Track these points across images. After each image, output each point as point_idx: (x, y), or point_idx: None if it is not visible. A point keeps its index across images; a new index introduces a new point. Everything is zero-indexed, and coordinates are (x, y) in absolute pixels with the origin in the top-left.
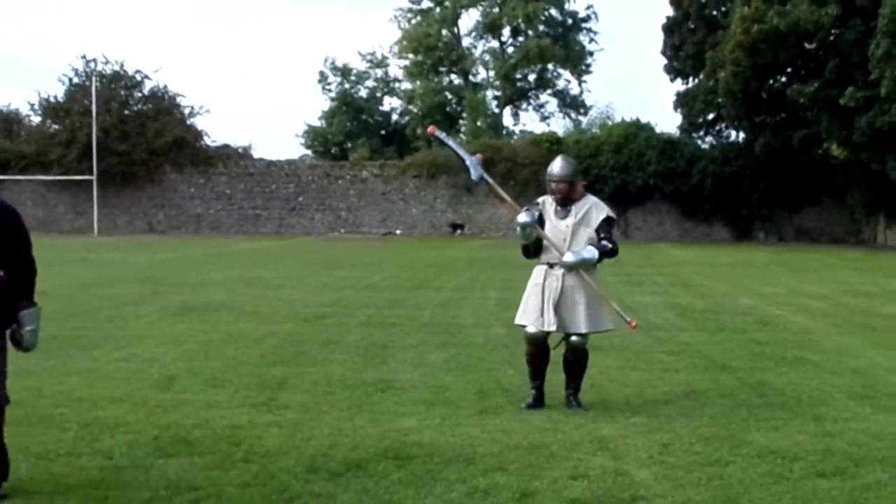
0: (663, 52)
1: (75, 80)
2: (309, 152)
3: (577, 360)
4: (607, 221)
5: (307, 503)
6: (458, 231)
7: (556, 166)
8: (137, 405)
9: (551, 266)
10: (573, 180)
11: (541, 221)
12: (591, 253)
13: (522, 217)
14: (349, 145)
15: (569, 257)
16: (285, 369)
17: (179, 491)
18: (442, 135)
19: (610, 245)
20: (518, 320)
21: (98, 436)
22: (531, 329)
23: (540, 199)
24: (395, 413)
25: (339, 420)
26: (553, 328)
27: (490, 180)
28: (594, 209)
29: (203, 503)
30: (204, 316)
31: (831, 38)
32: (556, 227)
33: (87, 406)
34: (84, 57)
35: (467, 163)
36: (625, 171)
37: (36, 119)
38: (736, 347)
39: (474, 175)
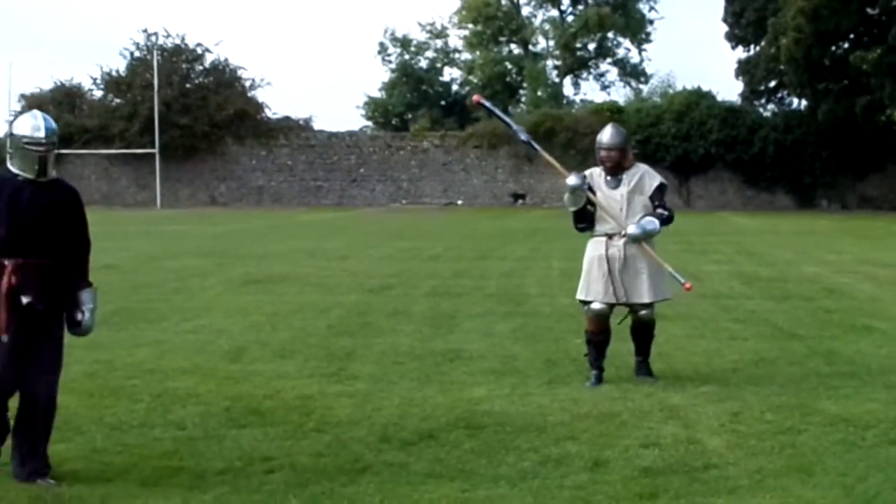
0: (724, 20)
1: (137, 53)
2: (369, 124)
3: (645, 331)
4: (660, 189)
5: (380, 473)
6: (520, 201)
7: (606, 135)
8: (208, 376)
9: (610, 237)
10: (624, 148)
11: (591, 192)
12: (654, 224)
13: (572, 179)
14: (409, 116)
15: (633, 230)
16: (353, 340)
17: (253, 461)
18: (487, 103)
19: (666, 213)
20: (580, 296)
21: (170, 407)
22: (596, 305)
23: (587, 172)
24: (465, 383)
25: (408, 390)
26: (623, 299)
27: (536, 146)
28: (646, 177)
29: (277, 473)
30: (269, 287)
31: (894, 3)
32: (609, 198)
33: (158, 377)
34: (145, 31)
35: (514, 128)
36: (686, 140)
37: (98, 93)
38: (803, 315)
39: (522, 137)
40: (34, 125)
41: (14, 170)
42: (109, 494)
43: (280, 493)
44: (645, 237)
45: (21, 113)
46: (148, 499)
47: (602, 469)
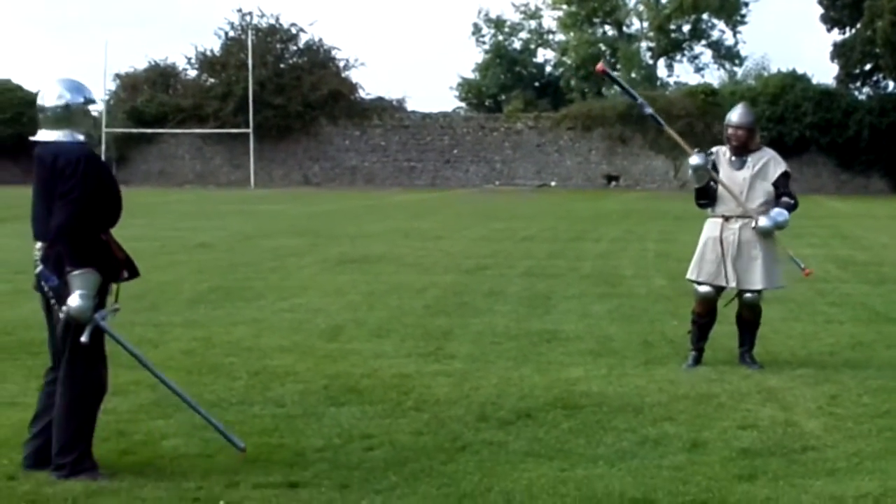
0: (819, 2)
1: (231, 33)
2: (463, 105)
3: (752, 318)
4: (785, 175)
5: (479, 451)
6: (613, 183)
7: (736, 113)
8: (306, 354)
9: (727, 219)
10: (752, 128)
11: (715, 171)
12: (784, 216)
13: (694, 159)
14: (503, 97)
15: (764, 222)
16: (449, 319)
17: (352, 438)
18: (611, 73)
19: (792, 201)
20: (691, 275)
21: (268, 384)
22: (705, 287)
23: (714, 149)
24: (562, 363)
25: (506, 370)
26: (732, 284)
27: (661, 121)
28: (772, 163)
29: (376, 450)
30: (365, 267)
31: None
32: (731, 179)
33: (256, 355)
34: (240, 10)
35: (638, 101)
36: (781, 123)
37: (193, 73)
38: None
39: (647, 111)
40: (80, 85)
41: (81, 138)
42: (210, 470)
43: (380, 470)
44: (775, 229)
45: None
46: (249, 474)
47: (700, 450)
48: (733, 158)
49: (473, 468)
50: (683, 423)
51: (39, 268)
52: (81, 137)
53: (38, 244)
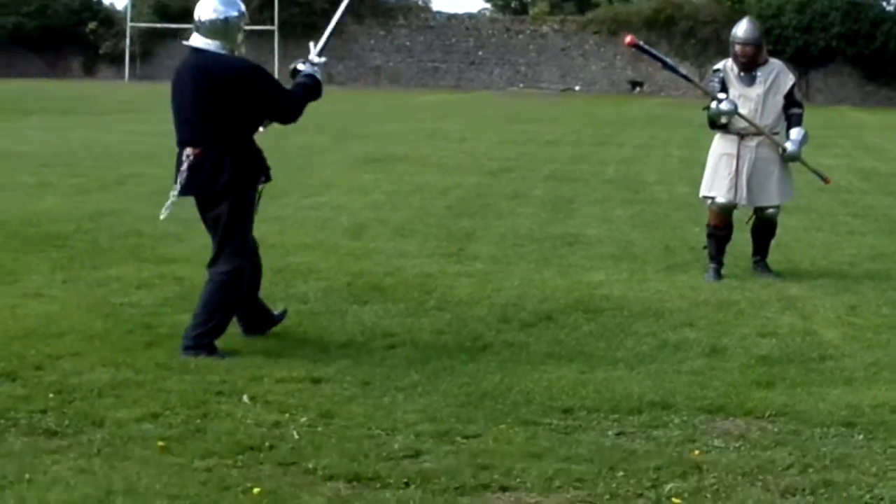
0: None
1: None
2: (488, 6)
3: (768, 230)
4: (794, 86)
5: (500, 352)
6: (638, 88)
7: (742, 29)
8: (329, 252)
9: (742, 136)
10: (760, 43)
11: (723, 88)
12: (803, 134)
13: (725, 105)
14: (529, 0)
15: (792, 148)
16: (472, 221)
17: (375, 336)
18: (642, 44)
19: (801, 110)
20: (705, 192)
21: (291, 281)
22: (721, 199)
23: (720, 65)
24: (583, 267)
25: (527, 272)
26: (744, 203)
27: (693, 80)
28: (781, 75)
29: (399, 348)
30: (388, 166)
31: None
32: (744, 97)
33: (280, 252)
34: None
35: (670, 64)
36: (807, 32)
37: None
38: None
39: (682, 72)
40: (236, 2)
41: (225, 51)
42: (235, 365)
43: (401, 367)
44: (801, 151)
45: None
46: (272, 369)
47: (719, 356)
48: (742, 74)
49: (494, 368)
50: (703, 329)
51: (185, 174)
52: (233, 49)
53: (188, 150)
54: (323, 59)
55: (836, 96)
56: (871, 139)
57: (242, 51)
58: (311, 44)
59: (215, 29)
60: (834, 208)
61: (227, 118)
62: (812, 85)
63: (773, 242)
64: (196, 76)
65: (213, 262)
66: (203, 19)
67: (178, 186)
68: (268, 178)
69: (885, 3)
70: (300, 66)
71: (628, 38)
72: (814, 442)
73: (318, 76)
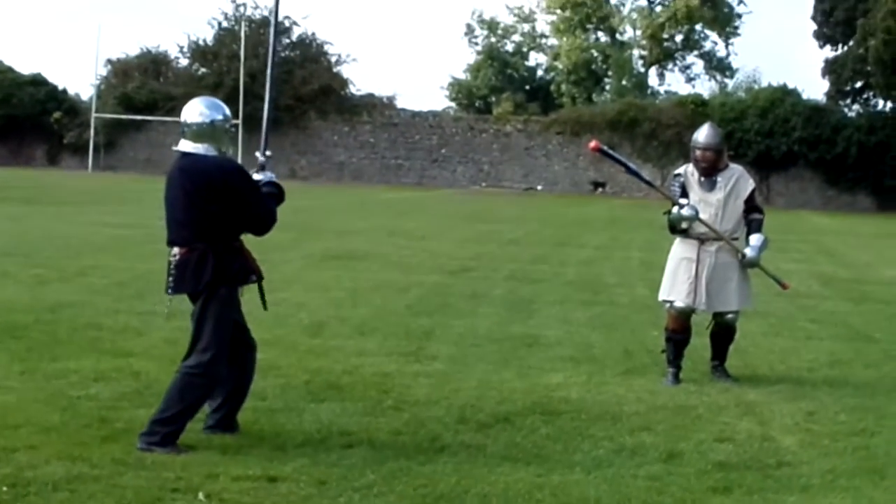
0: (813, 18)
1: (224, 24)
2: (453, 105)
3: (727, 335)
4: (754, 191)
5: (457, 453)
6: (600, 189)
7: (703, 134)
8: (288, 349)
9: (702, 241)
10: (721, 149)
11: (684, 193)
12: (762, 241)
13: (686, 211)
14: (493, 99)
15: (751, 253)
16: (431, 320)
17: (332, 435)
18: (606, 149)
19: (762, 216)
20: (664, 296)
21: None
22: (680, 303)
23: (680, 170)
24: (542, 368)
25: (486, 373)
26: (703, 308)
27: (655, 185)
28: (741, 180)
29: (355, 448)
30: (349, 264)
31: None
32: (705, 201)
33: None
34: (234, 1)
35: (632, 168)
36: (769, 137)
37: (184, 62)
38: (881, 319)
39: (645, 177)
40: (220, 104)
41: (219, 153)
42: (190, 462)
43: (358, 468)
44: (760, 257)
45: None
46: (228, 466)
47: (676, 461)
48: (703, 179)
49: (451, 470)
50: (661, 434)
51: (173, 274)
52: (220, 151)
53: (175, 249)
54: (269, 154)
55: (797, 200)
56: (831, 244)
57: (230, 152)
58: (257, 153)
59: (202, 132)
60: (793, 313)
61: (212, 219)
62: (773, 189)
63: (731, 347)
64: (184, 179)
65: (185, 357)
66: (189, 122)
67: (168, 285)
68: (259, 277)
69: (846, 110)
70: (256, 176)
71: (593, 143)
72: None
73: (277, 181)
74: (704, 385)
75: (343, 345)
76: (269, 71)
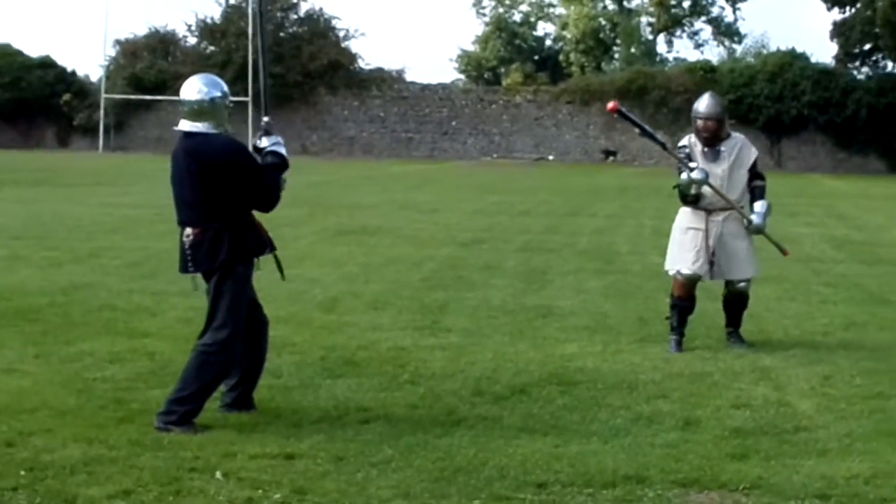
0: None
1: (232, 1)
2: (462, 77)
3: (740, 302)
4: (756, 159)
5: (474, 426)
6: (611, 158)
7: (704, 104)
8: (302, 326)
9: (710, 211)
10: (722, 118)
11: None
12: (767, 207)
13: (697, 174)
14: (502, 70)
15: (757, 220)
16: (446, 293)
17: (349, 411)
18: (623, 110)
19: (764, 182)
20: (670, 266)
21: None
22: (687, 270)
23: (685, 141)
24: (557, 339)
25: (501, 345)
26: (708, 277)
27: (668, 148)
28: (745, 149)
29: (372, 423)
30: (362, 239)
31: None
32: (710, 173)
33: None
34: None
35: (647, 131)
36: (779, 101)
37: (192, 40)
38: (894, 281)
39: (659, 139)
40: (218, 80)
41: (215, 131)
42: (208, 440)
43: (375, 443)
44: (766, 223)
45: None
46: (245, 445)
47: (693, 428)
48: (706, 150)
49: (468, 443)
50: (677, 401)
51: (188, 253)
52: (220, 129)
53: (188, 230)
54: (267, 119)
55: (808, 164)
56: (843, 207)
57: (229, 129)
58: (264, 119)
59: (202, 110)
60: (807, 277)
61: (222, 198)
62: (784, 153)
63: (745, 313)
64: (189, 161)
65: (200, 334)
66: (189, 100)
67: (185, 265)
68: (273, 248)
69: (855, 72)
70: (260, 144)
71: (611, 104)
72: None
73: (281, 150)
74: (719, 351)
75: (357, 320)
76: (257, 29)
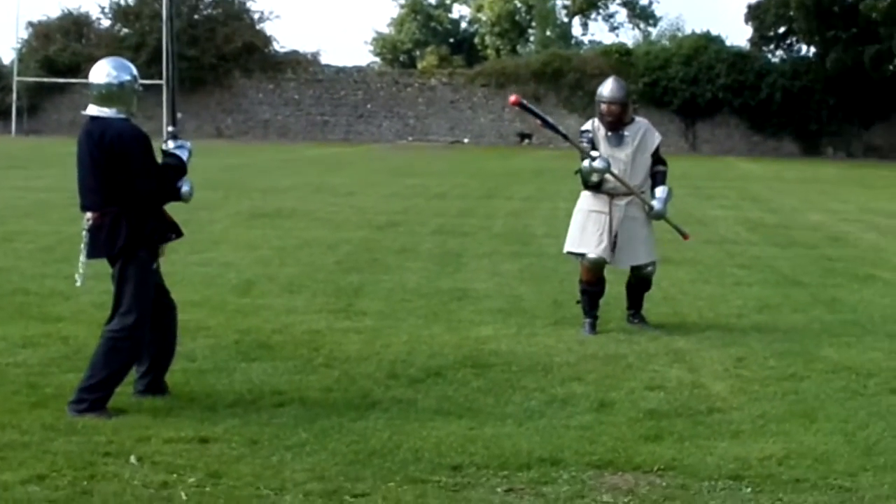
0: None
1: None
2: (377, 59)
3: (643, 286)
4: (660, 144)
5: (389, 409)
6: (526, 141)
7: (608, 88)
8: (217, 309)
9: (612, 196)
10: (626, 102)
11: (593, 149)
12: (668, 192)
13: (599, 163)
14: (418, 53)
15: (658, 206)
16: (361, 276)
17: (263, 394)
18: (525, 102)
19: (666, 168)
20: (572, 248)
21: (180, 339)
22: (593, 254)
23: (587, 125)
24: (472, 322)
25: (416, 327)
26: (610, 261)
27: (570, 138)
28: (648, 134)
29: (286, 407)
30: (276, 222)
31: None
32: (613, 157)
33: None
34: None
35: (549, 122)
36: (694, 84)
37: (106, 22)
38: (807, 263)
39: (561, 130)
40: (128, 66)
41: (123, 115)
42: (122, 425)
43: (290, 426)
44: (667, 209)
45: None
46: (160, 429)
47: (607, 410)
48: (609, 134)
49: (383, 425)
50: (591, 384)
51: (87, 238)
52: (128, 114)
53: (88, 214)
54: (172, 129)
55: (723, 147)
56: (758, 190)
57: (135, 113)
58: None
59: (111, 94)
60: (721, 259)
61: (122, 183)
62: (699, 136)
63: (646, 295)
64: (90, 144)
65: (107, 321)
66: (98, 83)
67: (82, 250)
68: (178, 234)
69: (770, 55)
70: (165, 147)
71: (512, 98)
72: (702, 496)
73: (183, 154)
74: (633, 334)
75: (272, 303)
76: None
